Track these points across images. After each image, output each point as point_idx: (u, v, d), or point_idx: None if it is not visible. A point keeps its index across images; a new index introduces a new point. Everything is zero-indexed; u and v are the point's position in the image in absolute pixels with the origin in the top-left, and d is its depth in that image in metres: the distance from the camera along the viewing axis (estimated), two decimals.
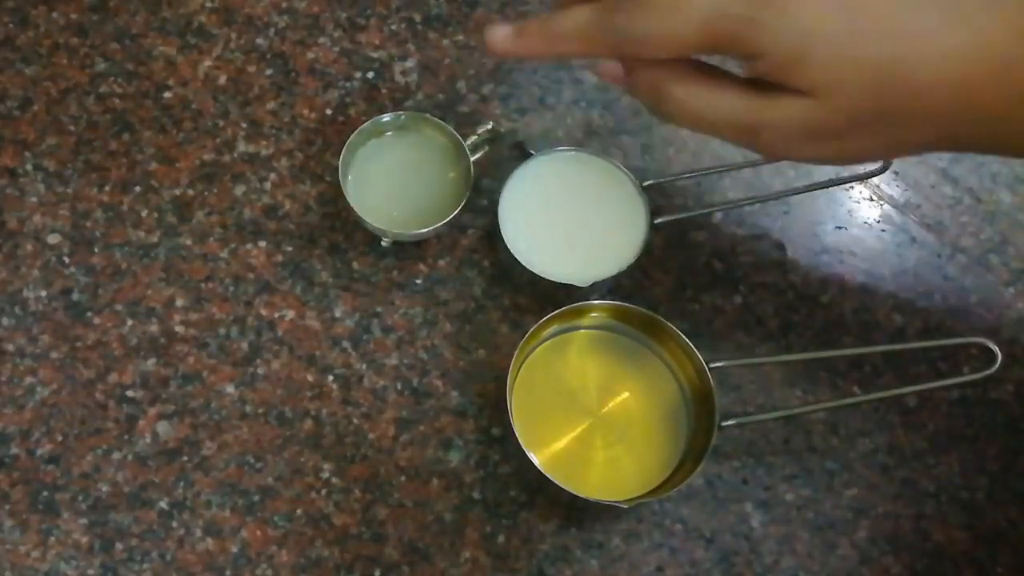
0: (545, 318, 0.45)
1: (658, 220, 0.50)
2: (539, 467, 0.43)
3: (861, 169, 0.52)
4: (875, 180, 0.55)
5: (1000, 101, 0.37)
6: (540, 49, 0.42)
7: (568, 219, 0.50)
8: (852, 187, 0.55)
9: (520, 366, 0.46)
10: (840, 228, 0.54)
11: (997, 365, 0.45)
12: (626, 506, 0.43)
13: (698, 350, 0.50)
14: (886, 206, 0.55)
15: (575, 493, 0.42)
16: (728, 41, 0.37)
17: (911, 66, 0.36)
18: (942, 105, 0.37)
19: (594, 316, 0.48)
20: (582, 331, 0.48)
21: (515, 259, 0.48)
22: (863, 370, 0.50)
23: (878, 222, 0.54)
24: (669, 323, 0.46)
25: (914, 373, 0.50)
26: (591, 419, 0.46)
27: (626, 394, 0.47)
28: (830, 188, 0.53)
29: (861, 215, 0.54)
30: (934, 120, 0.38)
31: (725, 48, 0.38)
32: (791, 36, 0.36)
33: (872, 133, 0.38)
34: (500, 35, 0.42)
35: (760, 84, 0.38)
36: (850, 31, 0.36)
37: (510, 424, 0.44)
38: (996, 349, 0.45)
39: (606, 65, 0.43)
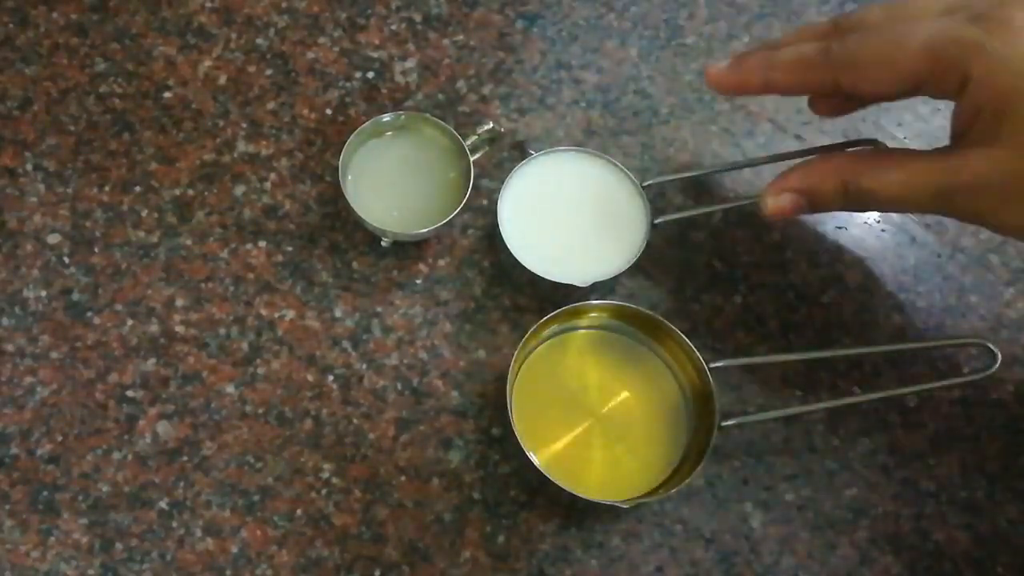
0: (544, 318, 0.45)
1: (658, 220, 0.50)
2: (539, 467, 0.43)
3: None
4: None
5: None
6: (759, 79, 0.44)
7: (568, 219, 0.50)
8: None
9: (520, 366, 0.46)
10: (840, 228, 0.54)
11: (997, 366, 0.45)
12: (626, 506, 0.43)
13: (698, 350, 0.50)
14: None
15: (575, 493, 0.42)
16: (948, 66, 0.37)
17: None
18: None
19: (593, 316, 0.48)
20: (581, 331, 0.48)
21: (515, 259, 0.48)
22: (863, 369, 0.50)
23: (878, 222, 0.54)
24: (669, 323, 0.46)
25: (914, 373, 0.50)
26: (591, 419, 0.46)
27: (626, 394, 0.47)
28: None
29: (861, 215, 0.54)
30: None
31: (942, 74, 0.38)
32: (1009, 72, 0.36)
33: None
34: (719, 72, 0.45)
35: (948, 149, 0.39)
36: None
37: (510, 424, 0.44)
38: (996, 350, 0.45)
39: (781, 199, 0.44)
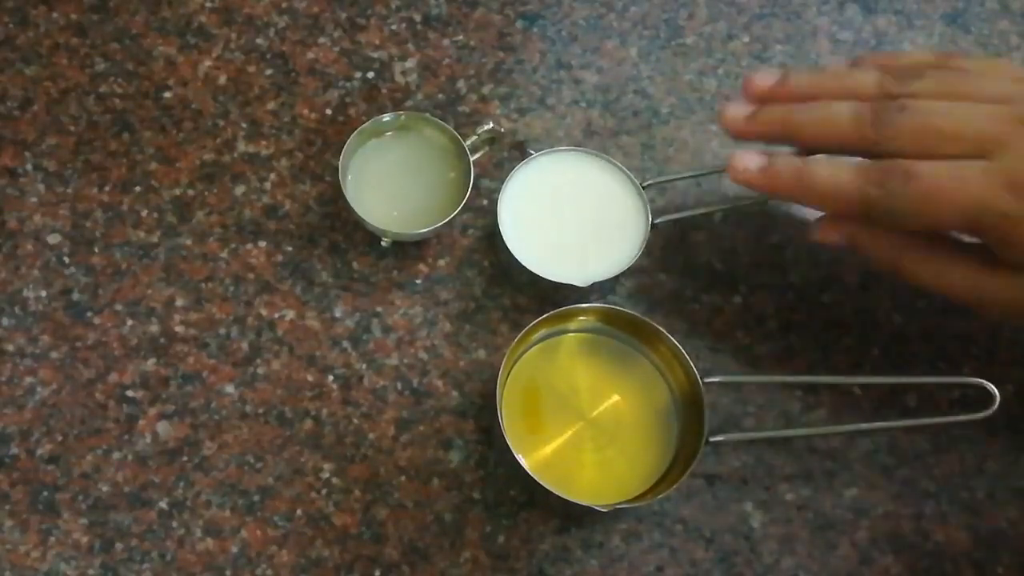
0: (535, 321, 0.45)
1: (658, 220, 0.50)
2: (527, 469, 0.43)
3: None
4: None
5: None
6: (788, 192, 0.44)
7: (568, 219, 0.50)
8: None
9: (510, 370, 0.46)
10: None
11: (995, 407, 0.45)
12: (605, 510, 0.43)
13: (697, 352, 0.50)
14: None
15: (559, 495, 0.42)
16: (984, 231, 0.40)
17: None
18: None
19: (583, 319, 0.47)
20: (572, 334, 0.48)
21: (515, 259, 0.48)
22: (863, 369, 0.50)
23: None
24: (662, 329, 0.46)
25: (915, 373, 0.50)
26: (581, 422, 0.46)
27: (616, 397, 0.47)
28: None
29: None
30: None
31: (977, 233, 0.40)
32: None
33: None
34: (751, 167, 0.44)
35: (986, 253, 0.41)
36: None
37: (500, 427, 0.43)
38: (994, 391, 0.45)
39: (828, 232, 0.45)
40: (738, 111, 0.45)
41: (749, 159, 0.44)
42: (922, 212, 0.40)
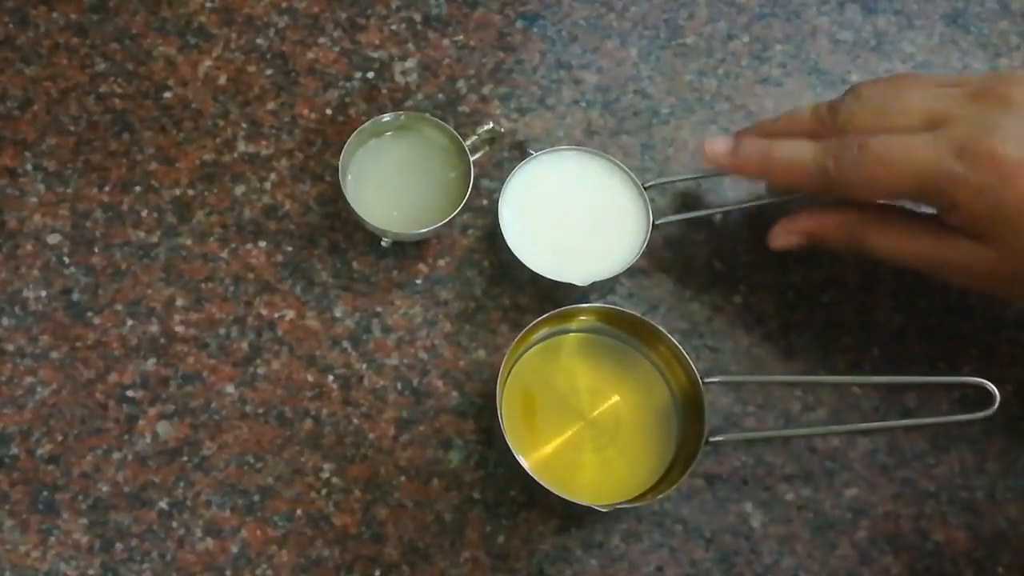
0: (534, 322, 0.45)
1: (659, 221, 0.50)
2: (527, 469, 0.43)
3: None
4: None
5: None
6: (755, 169, 0.48)
7: (569, 218, 0.50)
8: None
9: (510, 370, 0.46)
10: None
11: (995, 407, 0.45)
12: (605, 510, 0.43)
13: (696, 351, 0.50)
14: None
15: (559, 495, 0.42)
16: (934, 193, 0.42)
17: None
18: None
19: (583, 319, 0.47)
20: (572, 334, 0.48)
21: (515, 258, 0.48)
22: (863, 369, 0.50)
23: None
24: (663, 329, 0.46)
25: (915, 373, 0.50)
26: (581, 422, 0.46)
27: (616, 398, 0.47)
28: None
29: None
30: None
31: (927, 198, 0.43)
32: (991, 200, 0.41)
33: None
34: (720, 150, 0.49)
35: (950, 231, 0.43)
36: None
37: (500, 427, 0.43)
38: (995, 391, 0.45)
39: (790, 240, 0.48)
40: (718, 146, 0.49)
41: (720, 143, 0.49)
42: (875, 178, 0.43)
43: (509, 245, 0.48)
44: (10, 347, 0.48)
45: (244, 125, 0.53)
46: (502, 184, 0.50)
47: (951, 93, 0.44)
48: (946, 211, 0.43)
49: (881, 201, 0.46)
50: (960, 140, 0.41)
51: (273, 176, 0.52)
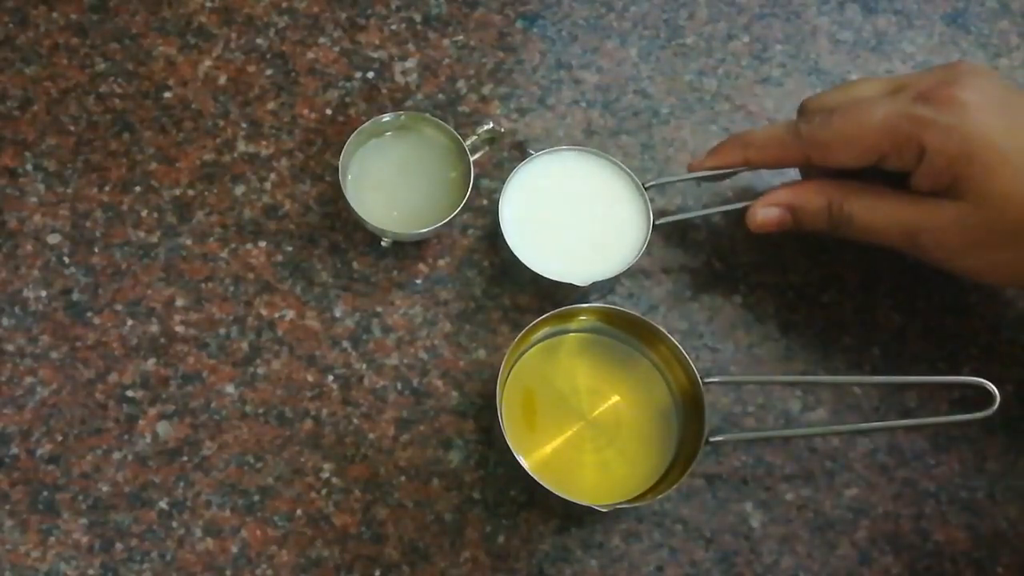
0: (534, 322, 0.45)
1: (659, 221, 0.50)
2: (527, 469, 0.43)
3: None
4: None
5: None
6: (735, 158, 0.49)
7: (570, 218, 0.50)
8: None
9: (510, 370, 0.46)
10: None
11: (995, 407, 0.45)
12: (605, 510, 0.43)
13: (696, 351, 0.50)
14: None
15: (559, 495, 0.42)
16: (904, 140, 0.43)
17: None
18: None
19: (583, 319, 0.47)
20: (572, 334, 0.48)
21: (516, 257, 0.48)
22: (863, 369, 0.50)
23: None
24: (663, 329, 0.46)
25: (915, 373, 0.50)
26: (581, 422, 0.46)
27: (616, 398, 0.47)
28: None
29: None
30: None
31: (900, 148, 0.43)
32: (959, 140, 0.41)
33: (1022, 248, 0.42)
34: (700, 164, 0.50)
35: (923, 196, 0.43)
36: (1017, 144, 0.41)
37: (500, 427, 0.43)
38: (995, 391, 0.45)
39: (770, 212, 0.48)
40: (699, 159, 0.51)
41: (699, 158, 0.51)
42: (845, 132, 0.44)
43: (509, 245, 0.48)
44: (10, 347, 0.48)
45: (244, 125, 0.53)
46: (502, 184, 0.50)
47: (913, 74, 0.46)
48: (916, 162, 0.43)
49: (853, 165, 0.46)
50: (921, 90, 0.43)
51: (273, 176, 0.52)
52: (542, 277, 0.48)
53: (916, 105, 0.42)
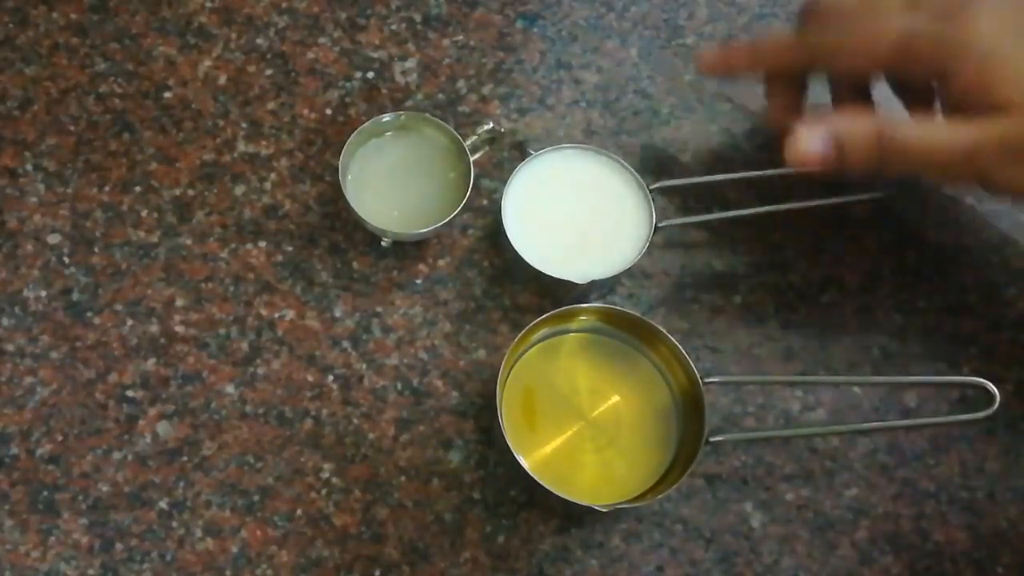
0: (534, 322, 0.45)
1: (662, 223, 0.50)
2: (527, 469, 0.43)
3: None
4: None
5: None
6: (745, 63, 0.49)
7: (573, 217, 0.50)
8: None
9: (510, 370, 0.46)
10: (840, 228, 0.54)
11: (996, 406, 0.45)
12: (605, 510, 0.43)
13: (696, 351, 0.50)
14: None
15: (559, 495, 0.42)
16: (915, 58, 0.42)
17: None
18: None
19: (583, 319, 0.47)
20: (572, 334, 0.48)
21: (517, 254, 0.48)
22: (863, 369, 0.50)
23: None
24: (663, 329, 0.46)
25: (915, 373, 0.50)
26: (581, 422, 0.46)
27: (616, 398, 0.47)
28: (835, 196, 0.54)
29: (861, 215, 0.54)
30: None
31: (912, 65, 0.42)
32: (976, 56, 0.40)
33: None
34: (709, 56, 0.49)
35: (965, 117, 0.41)
36: None
37: (500, 427, 0.43)
38: (995, 391, 0.45)
39: (814, 142, 0.43)
40: (709, 51, 0.50)
41: (710, 52, 0.50)
42: (861, 43, 0.43)
43: (511, 240, 0.48)
44: (10, 347, 0.48)
45: (244, 125, 0.53)
46: (502, 184, 0.50)
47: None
48: (943, 82, 0.42)
49: (859, 73, 0.45)
50: (940, 8, 0.42)
51: (273, 176, 0.52)
52: (543, 275, 0.48)
53: (937, 23, 0.41)
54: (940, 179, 0.45)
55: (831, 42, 0.44)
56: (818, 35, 0.45)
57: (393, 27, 0.57)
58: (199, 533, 0.45)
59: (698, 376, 0.45)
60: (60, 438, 0.46)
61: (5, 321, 0.48)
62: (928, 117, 0.45)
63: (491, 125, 0.51)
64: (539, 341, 0.48)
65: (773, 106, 0.50)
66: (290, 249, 0.51)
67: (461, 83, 0.55)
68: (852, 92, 0.48)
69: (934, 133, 0.42)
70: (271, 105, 0.54)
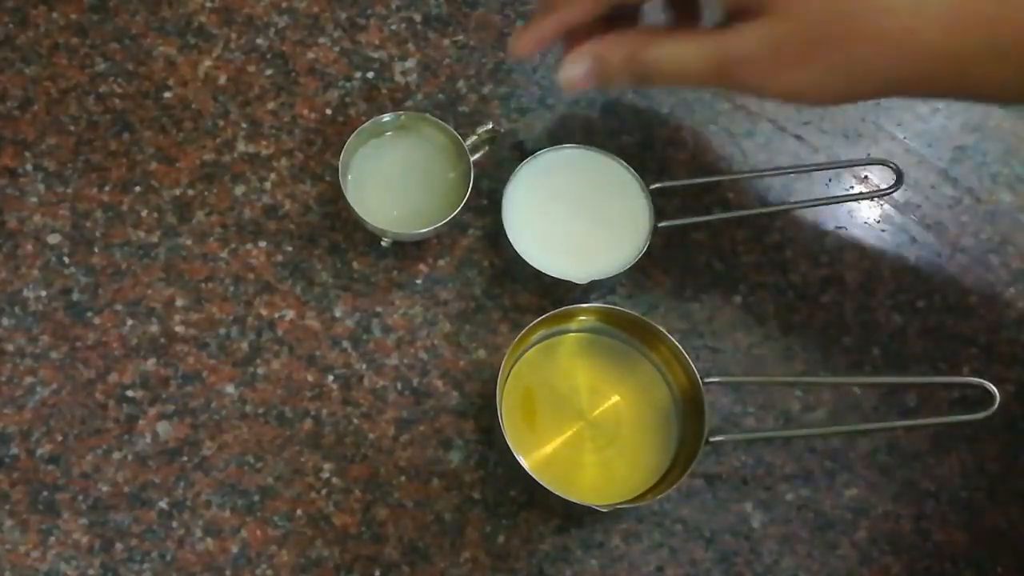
0: (534, 322, 0.45)
1: (662, 224, 0.50)
2: (527, 469, 0.43)
3: (876, 186, 0.54)
4: (875, 180, 0.55)
5: (953, 47, 0.39)
6: (549, 26, 0.45)
7: (572, 216, 0.50)
8: (852, 186, 0.55)
9: (510, 370, 0.46)
10: (840, 228, 0.54)
11: (995, 407, 0.45)
12: (605, 510, 0.43)
13: (696, 351, 0.50)
14: (886, 206, 0.55)
15: (559, 495, 0.42)
16: None
17: None
18: (896, 38, 0.39)
19: (583, 319, 0.47)
20: (572, 334, 0.48)
21: (517, 253, 0.48)
22: (863, 369, 0.50)
23: (878, 222, 0.54)
24: (663, 329, 0.46)
25: (915, 373, 0.50)
26: (581, 422, 0.46)
27: (616, 398, 0.47)
28: (836, 196, 0.54)
29: (861, 215, 0.54)
30: (889, 54, 0.39)
31: None
32: None
33: (833, 62, 0.40)
34: (519, 42, 0.46)
35: (725, 26, 0.41)
36: None
37: (500, 427, 0.43)
38: (994, 390, 0.45)
39: (576, 67, 0.45)
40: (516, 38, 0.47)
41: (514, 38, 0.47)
42: None
43: (511, 240, 0.48)
44: (10, 347, 0.48)
45: (244, 125, 0.53)
46: (502, 184, 0.50)
47: None
48: None
49: None
50: None
51: (273, 176, 0.52)
52: (543, 275, 0.48)
53: None
54: (703, 88, 0.44)
55: None
56: None
57: (393, 27, 0.57)
58: (199, 533, 0.45)
59: (698, 376, 0.45)
60: (60, 438, 0.46)
61: (5, 321, 0.48)
62: (686, 30, 0.44)
63: (491, 125, 0.51)
64: (539, 341, 0.48)
65: (527, 32, 0.47)
66: (290, 249, 0.51)
67: (461, 83, 0.55)
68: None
69: (683, 49, 0.42)
70: (271, 105, 0.54)
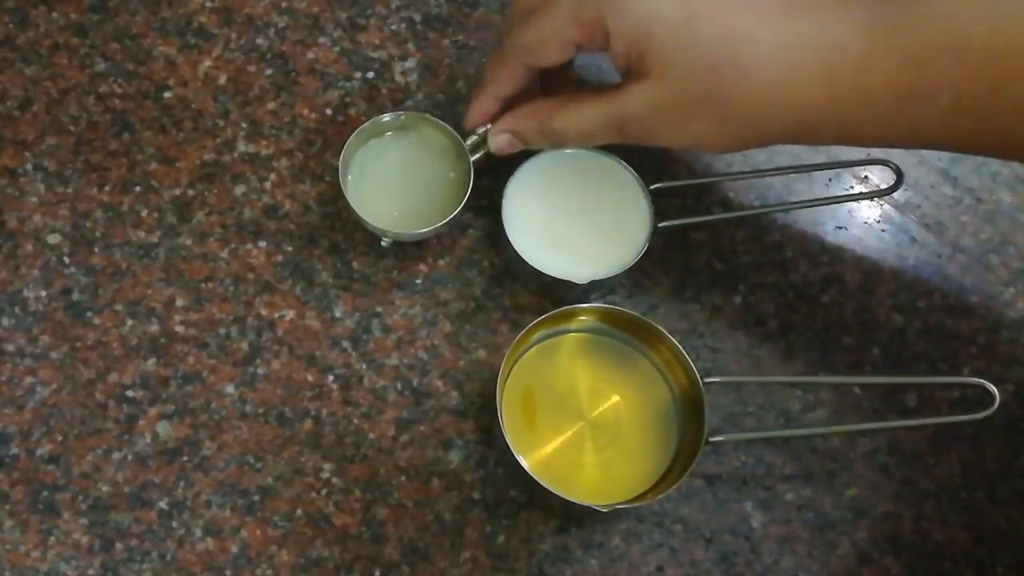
0: (534, 322, 0.45)
1: (662, 224, 0.50)
2: (527, 469, 0.43)
3: (876, 186, 0.54)
4: (875, 180, 0.55)
5: (830, 97, 0.41)
6: (488, 107, 0.48)
7: (572, 216, 0.50)
8: (852, 186, 0.55)
9: (510, 370, 0.46)
10: (840, 228, 0.54)
11: (995, 406, 0.45)
12: (605, 510, 0.43)
13: (696, 351, 0.50)
14: (886, 206, 0.55)
15: (559, 495, 0.42)
16: (591, 25, 0.43)
17: (735, 53, 0.41)
18: (769, 94, 0.41)
19: (583, 319, 0.47)
20: (571, 334, 0.48)
21: (516, 253, 0.48)
22: (863, 369, 0.50)
23: (878, 222, 0.54)
24: (663, 329, 0.46)
25: (915, 373, 0.50)
26: (581, 422, 0.46)
27: (616, 398, 0.47)
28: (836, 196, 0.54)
29: (861, 215, 0.54)
30: (764, 109, 0.42)
31: (591, 33, 0.44)
32: (634, 19, 0.42)
33: (714, 117, 0.43)
34: (469, 120, 0.49)
35: (619, 86, 0.44)
36: (686, 18, 0.41)
37: (500, 427, 0.43)
38: (995, 391, 0.45)
39: (500, 139, 0.49)
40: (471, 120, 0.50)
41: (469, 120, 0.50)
42: (542, 36, 0.45)
43: (511, 240, 0.48)
44: (10, 347, 0.48)
45: (244, 125, 0.53)
46: (502, 184, 0.50)
47: None
48: (611, 47, 0.43)
49: (560, 60, 0.46)
50: None
51: (273, 176, 0.52)
52: (543, 275, 0.48)
53: None
54: (611, 143, 0.47)
55: (521, 41, 0.45)
56: (511, 43, 0.46)
57: (393, 27, 0.57)
58: (199, 533, 0.45)
59: (698, 376, 0.45)
60: (60, 438, 0.46)
61: (5, 321, 0.48)
62: (587, 95, 0.46)
63: (491, 125, 0.51)
64: (539, 341, 0.47)
65: (472, 110, 0.50)
66: (290, 249, 0.51)
67: (461, 83, 0.55)
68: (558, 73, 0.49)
69: (583, 115, 0.46)
70: (271, 105, 0.54)
